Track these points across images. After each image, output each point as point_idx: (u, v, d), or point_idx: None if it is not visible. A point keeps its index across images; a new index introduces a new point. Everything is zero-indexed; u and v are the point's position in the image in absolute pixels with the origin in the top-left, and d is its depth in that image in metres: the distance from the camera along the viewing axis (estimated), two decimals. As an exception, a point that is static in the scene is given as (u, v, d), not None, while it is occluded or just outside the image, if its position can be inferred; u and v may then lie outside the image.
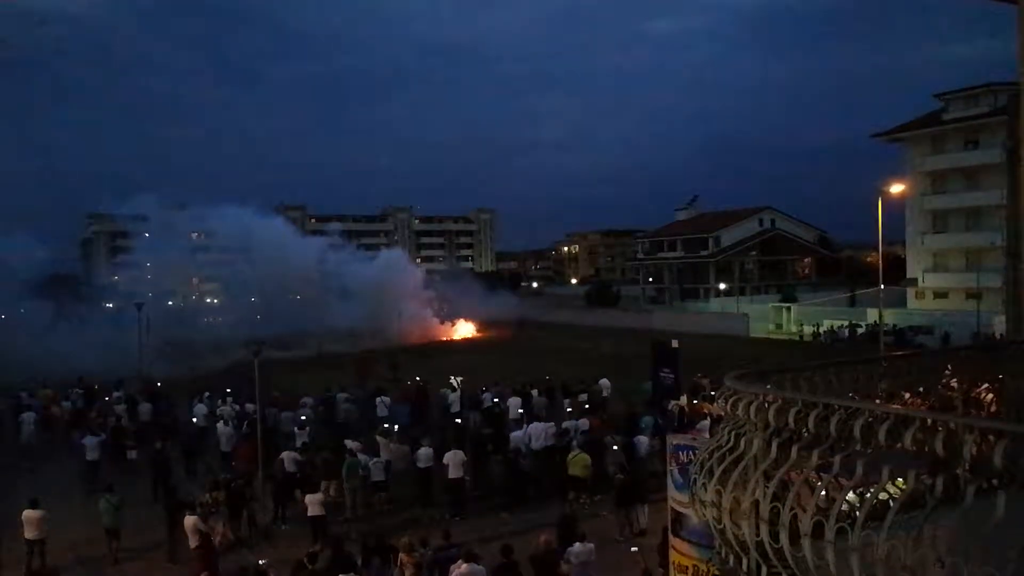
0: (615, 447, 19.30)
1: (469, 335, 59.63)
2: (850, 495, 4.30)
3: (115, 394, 29.12)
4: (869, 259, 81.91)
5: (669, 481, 10.66)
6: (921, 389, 6.73)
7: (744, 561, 4.96)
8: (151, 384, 32.50)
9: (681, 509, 9.98)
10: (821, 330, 52.70)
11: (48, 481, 20.19)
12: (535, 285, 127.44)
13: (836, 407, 4.60)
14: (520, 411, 24.59)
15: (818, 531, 4.27)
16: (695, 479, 5.53)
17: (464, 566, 11.51)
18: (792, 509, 4.50)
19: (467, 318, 60.95)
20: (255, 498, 17.52)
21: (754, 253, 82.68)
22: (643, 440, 19.40)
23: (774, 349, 44.31)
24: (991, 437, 3.82)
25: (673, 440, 11.25)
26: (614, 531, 15.85)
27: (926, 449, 3.98)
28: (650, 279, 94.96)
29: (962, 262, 55.96)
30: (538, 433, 20.03)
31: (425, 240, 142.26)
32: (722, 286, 78.92)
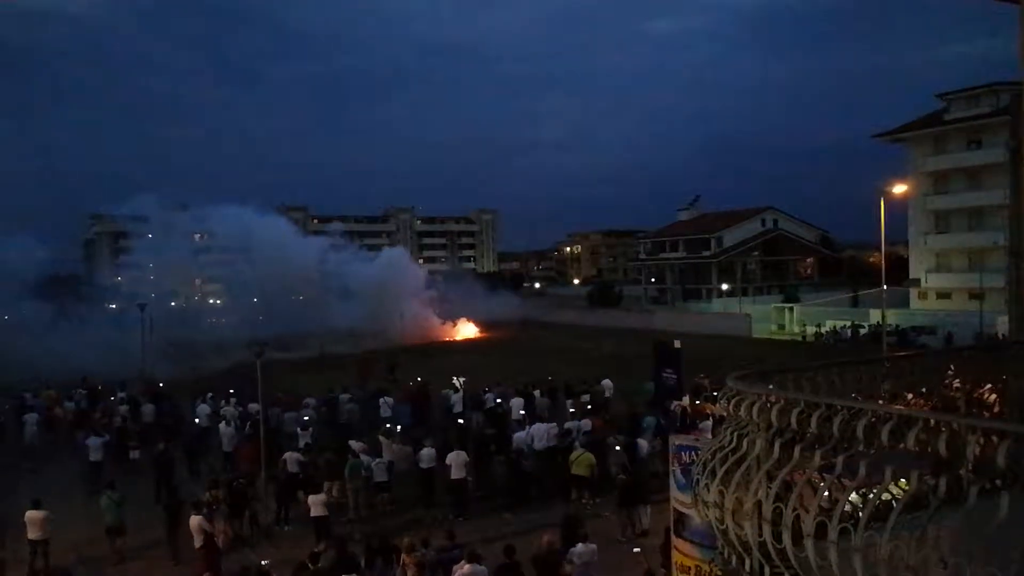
0: (617, 447, 19.30)
1: (471, 336, 59.59)
2: (853, 495, 4.30)
3: (119, 394, 29.17)
4: (871, 259, 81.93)
5: (671, 481, 10.65)
6: (924, 390, 6.72)
7: (747, 562, 4.95)
8: (154, 385, 32.55)
9: (684, 509, 9.98)
10: (823, 330, 52.64)
11: (51, 482, 20.21)
12: (537, 285, 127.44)
13: (839, 407, 4.59)
14: (522, 412, 24.59)
15: (821, 532, 4.26)
16: (698, 479, 5.53)
17: (467, 566, 11.52)
18: (795, 509, 4.50)
19: (469, 318, 60.91)
20: (257, 498, 17.56)
21: (756, 253, 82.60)
22: (642, 443, 19.37)
23: (776, 349, 44.26)
24: (994, 438, 3.81)
25: (675, 440, 11.24)
26: (616, 531, 15.84)
27: (929, 450, 3.98)
28: (652, 279, 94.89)
29: (965, 262, 55.87)
30: (540, 434, 20.02)
31: (427, 241, 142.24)
32: (724, 286, 78.85)
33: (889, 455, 4.19)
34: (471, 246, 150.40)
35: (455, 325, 59.82)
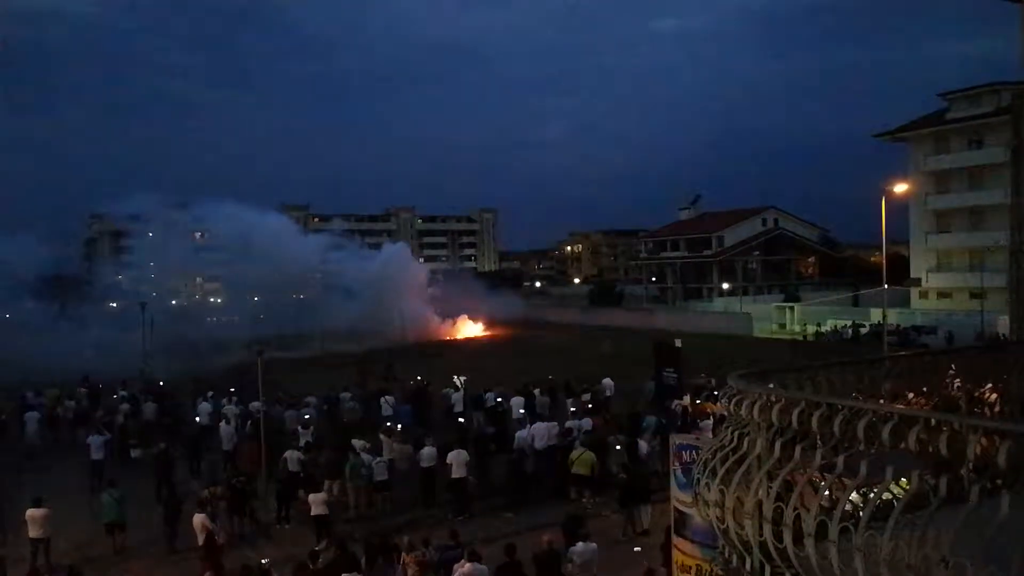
0: (618, 447, 19.31)
1: (472, 335, 59.59)
2: (854, 495, 4.30)
3: (120, 393, 29.21)
4: (873, 259, 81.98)
5: (672, 481, 10.65)
6: (925, 389, 6.72)
7: (747, 561, 4.95)
8: (154, 384, 32.59)
9: (684, 509, 9.97)
10: (823, 330, 52.64)
11: (52, 480, 20.22)
12: (538, 285, 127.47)
13: (840, 407, 4.59)
14: (522, 411, 24.60)
15: (822, 531, 4.26)
16: (698, 479, 5.53)
17: (467, 565, 11.53)
18: (795, 509, 4.50)
19: (470, 317, 60.89)
20: (256, 496, 17.59)
21: (757, 253, 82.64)
22: (643, 442, 19.37)
23: (777, 349, 44.24)
24: (995, 437, 3.81)
25: (676, 440, 11.25)
26: (617, 531, 15.84)
27: (930, 449, 3.98)
28: (653, 279, 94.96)
29: (966, 262, 55.88)
30: (541, 433, 20.02)
31: (428, 240, 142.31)
32: (725, 286, 78.90)
33: (890, 455, 4.19)
34: (472, 245, 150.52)
35: (455, 323, 59.72)
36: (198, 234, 65.81)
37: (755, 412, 5.07)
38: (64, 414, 26.95)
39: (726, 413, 5.66)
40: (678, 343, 25.40)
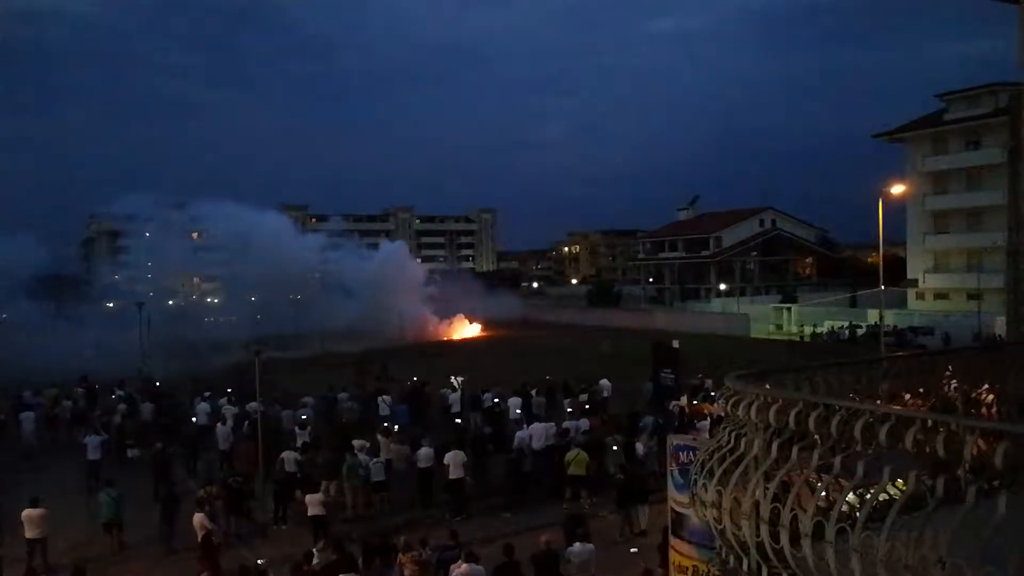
0: (615, 447, 19.31)
1: (470, 335, 59.53)
2: (851, 496, 4.30)
3: (118, 393, 29.18)
4: (870, 259, 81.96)
5: (669, 482, 10.65)
6: (922, 390, 6.73)
7: (744, 562, 4.95)
8: (152, 384, 32.55)
9: (681, 510, 9.97)
10: (818, 330, 52.67)
11: (49, 480, 20.19)
12: (536, 285, 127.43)
13: (837, 407, 4.59)
14: (518, 411, 24.60)
15: (819, 532, 4.26)
16: (695, 479, 5.53)
17: (464, 566, 11.52)
18: (793, 510, 4.49)
19: (468, 318, 60.82)
20: (253, 496, 17.58)
21: (755, 253, 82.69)
22: (640, 443, 19.37)
23: (775, 350, 44.24)
24: (992, 438, 3.81)
25: (673, 440, 11.24)
26: (614, 531, 15.84)
27: (927, 450, 3.98)
28: (651, 279, 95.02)
29: (963, 263, 55.95)
30: (539, 433, 20.02)
31: (426, 240, 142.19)
32: (723, 286, 78.95)
33: (887, 455, 4.19)
34: (470, 245, 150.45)
35: (452, 323, 59.58)
36: (195, 234, 65.71)
37: (752, 413, 5.07)
38: (61, 414, 26.91)
39: (723, 414, 5.65)
40: (676, 344, 25.42)
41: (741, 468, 5.06)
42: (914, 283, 58.50)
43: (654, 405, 24.12)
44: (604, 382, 28.37)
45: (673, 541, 10.35)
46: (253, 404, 21.83)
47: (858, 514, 4.12)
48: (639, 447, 19.17)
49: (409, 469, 19.12)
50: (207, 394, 26.89)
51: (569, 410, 23.97)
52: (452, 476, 17.65)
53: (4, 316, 49.16)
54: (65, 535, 16.08)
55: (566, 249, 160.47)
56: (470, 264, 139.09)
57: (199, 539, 14.36)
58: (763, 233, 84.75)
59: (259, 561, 13.89)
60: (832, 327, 52.65)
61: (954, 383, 6.88)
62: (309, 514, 15.90)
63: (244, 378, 26.57)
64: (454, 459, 17.74)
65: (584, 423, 21.27)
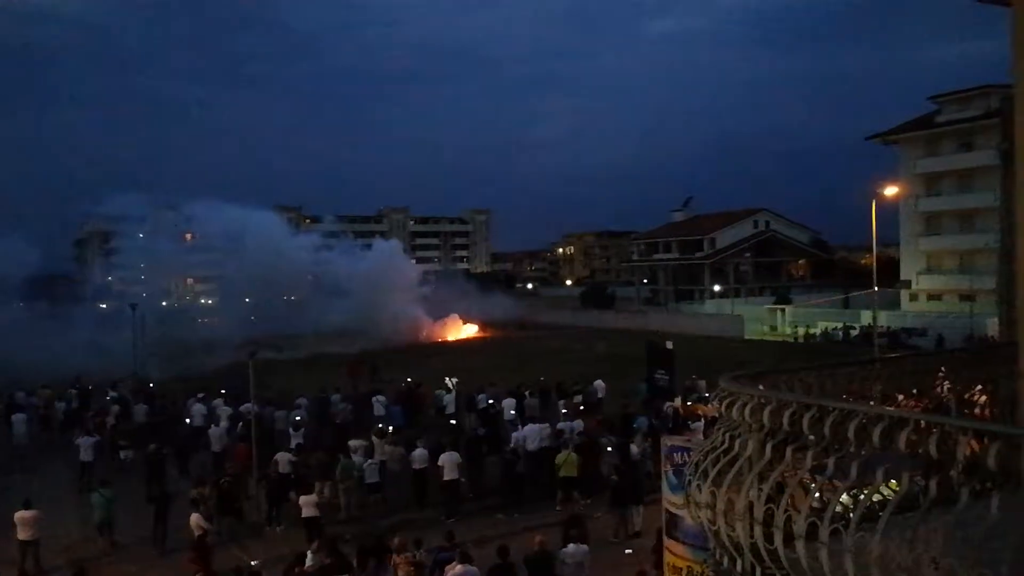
0: (609, 448, 19.32)
1: (464, 336, 59.45)
2: (844, 497, 4.31)
3: (110, 394, 29.08)
4: (863, 261, 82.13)
5: (664, 483, 10.66)
6: (915, 391, 6.74)
7: (738, 563, 4.95)
8: (146, 385, 32.45)
9: (675, 511, 9.99)
10: (812, 331, 52.77)
11: (41, 482, 20.12)
12: (530, 286, 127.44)
13: (831, 409, 4.60)
14: (512, 412, 24.60)
15: (812, 532, 4.27)
16: (689, 480, 5.53)
17: (458, 567, 11.51)
18: (786, 511, 4.50)
19: (462, 318, 60.72)
20: (247, 496, 17.56)
21: (749, 255, 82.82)
22: (635, 444, 19.37)
23: (769, 351, 44.34)
24: (985, 439, 3.82)
25: (668, 441, 11.26)
26: (609, 533, 15.85)
27: (920, 451, 3.99)
28: (645, 280, 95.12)
29: (956, 264, 56.13)
30: (533, 435, 20.02)
31: (420, 241, 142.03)
32: (717, 288, 79.04)
33: (881, 456, 4.20)
34: (464, 246, 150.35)
35: (446, 324, 59.40)
36: (189, 235, 65.43)
37: (746, 414, 5.07)
38: (54, 415, 26.81)
39: (717, 415, 5.66)
40: (670, 345, 25.46)
41: (735, 469, 5.07)
42: (907, 284, 58.64)
43: (648, 406, 24.13)
44: (598, 383, 28.38)
45: (667, 542, 10.36)
46: (247, 405, 21.78)
47: (852, 515, 4.12)
48: (633, 448, 19.17)
49: (403, 470, 19.09)
50: (200, 395, 26.83)
51: (563, 411, 23.97)
52: (447, 477, 17.64)
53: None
54: (58, 537, 16.03)
55: (560, 250, 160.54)
56: (464, 265, 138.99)
57: (195, 539, 14.33)
58: (757, 234, 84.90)
59: (252, 562, 13.87)
60: (826, 328, 52.79)
61: (947, 384, 6.89)
62: (303, 515, 15.88)
63: (238, 379, 26.50)
64: (449, 460, 17.73)
65: (578, 424, 21.27)
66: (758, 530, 4.70)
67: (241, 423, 22.43)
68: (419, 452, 18.54)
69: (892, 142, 60.81)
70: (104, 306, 56.49)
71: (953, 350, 16.07)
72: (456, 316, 60.05)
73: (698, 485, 5.30)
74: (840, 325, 52.06)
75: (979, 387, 7.00)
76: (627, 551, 14.73)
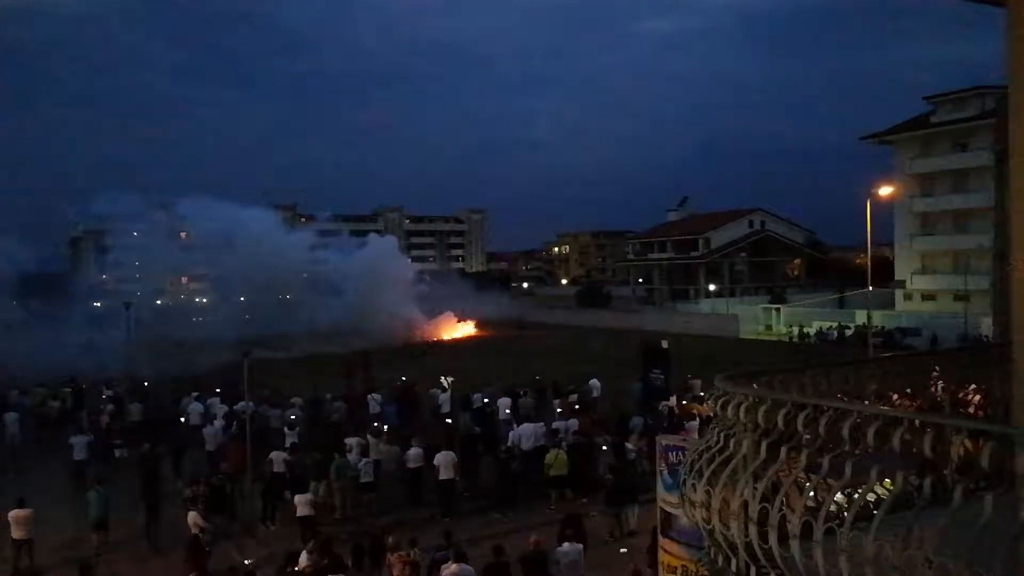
0: (605, 447, 19.33)
1: (459, 335, 59.38)
2: (839, 496, 4.32)
3: (106, 392, 29.01)
4: (858, 261, 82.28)
5: (659, 482, 10.68)
6: (909, 390, 6.76)
7: (733, 562, 4.96)
8: (140, 383, 32.36)
9: (671, 510, 10.00)
10: (807, 331, 52.85)
11: (35, 481, 20.05)
12: (525, 285, 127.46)
13: (825, 408, 4.61)
14: (508, 411, 24.60)
15: (807, 532, 4.28)
16: (685, 480, 5.54)
17: (453, 566, 11.51)
18: (781, 510, 4.51)
19: (458, 318, 60.63)
20: (242, 495, 17.53)
21: (744, 254, 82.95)
22: (630, 443, 19.39)
23: (764, 350, 44.41)
24: (978, 438, 3.84)
25: (663, 441, 11.28)
26: (604, 532, 15.86)
27: (914, 450, 4.00)
28: (640, 280, 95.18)
29: (950, 264, 56.27)
30: (528, 434, 20.03)
31: (415, 240, 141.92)
32: (712, 287, 79.16)
33: (875, 455, 4.21)
34: (460, 246, 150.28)
35: (441, 323, 59.24)
36: (183, 233, 65.25)
37: (741, 413, 5.08)
38: (49, 413, 26.73)
39: (713, 414, 5.67)
40: (665, 344, 25.50)
41: (730, 468, 5.08)
42: (902, 284, 58.81)
43: (643, 405, 24.15)
44: (594, 382, 28.40)
45: (662, 541, 10.37)
46: (242, 404, 21.75)
47: (846, 514, 4.13)
48: (629, 447, 19.20)
49: (398, 469, 19.08)
50: (194, 394, 26.77)
51: (559, 410, 23.98)
52: (442, 477, 17.63)
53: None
54: (51, 536, 15.98)
55: (556, 250, 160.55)
56: (460, 264, 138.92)
57: (190, 537, 14.30)
58: (752, 234, 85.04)
59: (247, 561, 13.86)
60: (820, 328, 52.89)
61: (941, 384, 6.92)
62: (298, 514, 15.86)
63: (232, 378, 26.44)
64: (445, 460, 17.71)
65: (574, 423, 21.28)
66: (753, 529, 4.71)
67: (236, 422, 22.38)
68: (414, 451, 18.53)
69: (887, 142, 60.97)
70: (98, 305, 56.34)
71: (947, 350, 16.10)
72: (451, 314, 59.92)
73: (693, 484, 5.31)
74: (835, 325, 52.17)
75: (973, 387, 7.03)
76: (622, 550, 14.74)
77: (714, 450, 5.32)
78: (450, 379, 28.70)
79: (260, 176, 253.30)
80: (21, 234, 55.35)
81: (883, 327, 48.15)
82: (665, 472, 10.49)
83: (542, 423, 21.28)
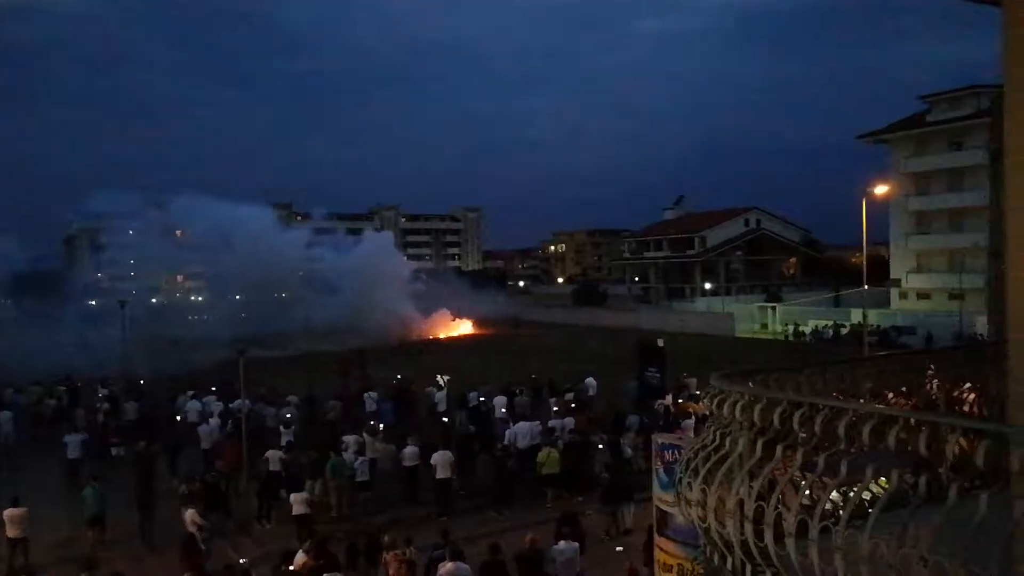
0: (601, 446, 19.34)
1: (456, 334, 59.36)
2: (834, 494, 4.32)
3: (102, 391, 28.95)
4: (854, 259, 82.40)
5: (654, 480, 10.68)
6: (904, 389, 6.76)
7: (729, 560, 4.96)
8: (135, 382, 32.32)
9: (666, 508, 10.00)
10: (802, 329, 52.92)
11: (30, 480, 20.00)
12: (522, 284, 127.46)
13: (821, 406, 4.61)
14: (504, 410, 24.61)
15: (802, 530, 4.28)
16: (681, 478, 5.54)
17: (449, 564, 11.51)
18: (776, 508, 4.51)
19: (454, 316, 60.58)
20: (237, 493, 17.51)
21: (740, 253, 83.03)
22: (626, 442, 19.40)
23: (759, 349, 44.47)
24: (973, 437, 3.84)
25: (659, 439, 11.28)
26: (600, 530, 15.87)
27: (909, 448, 4.00)
28: (636, 279, 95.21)
29: (945, 263, 56.40)
30: (524, 432, 20.04)
31: (412, 239, 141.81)
32: (708, 286, 79.22)
33: (870, 454, 4.21)
34: (456, 244, 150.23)
35: (437, 321, 59.12)
36: (179, 232, 65.06)
37: (737, 411, 5.08)
38: (44, 412, 26.67)
39: (708, 412, 5.67)
40: (661, 343, 25.53)
41: (726, 467, 5.08)
42: (897, 283, 58.92)
43: (639, 404, 24.18)
44: (590, 381, 28.42)
45: (658, 539, 10.38)
46: (238, 402, 21.73)
47: (841, 512, 4.14)
48: (625, 446, 19.21)
49: (394, 468, 19.07)
50: (191, 393, 26.73)
51: (555, 409, 23.99)
52: (439, 476, 17.61)
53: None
54: (47, 534, 15.95)
55: (552, 248, 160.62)
56: (456, 263, 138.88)
57: (186, 536, 14.27)
58: (748, 233, 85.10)
59: (242, 560, 13.83)
60: (816, 326, 52.99)
61: (936, 382, 6.93)
62: (293, 513, 15.85)
63: (228, 376, 26.43)
64: (442, 459, 17.70)
65: (569, 422, 21.29)
66: (748, 527, 4.71)
67: (232, 420, 22.34)
68: (410, 450, 18.53)
69: (882, 141, 61.05)
70: (94, 303, 56.21)
71: (942, 348, 16.14)
72: (447, 312, 59.82)
73: (689, 483, 5.31)
74: (830, 323, 52.28)
75: (968, 385, 7.04)
76: (618, 549, 14.76)
77: (710, 448, 5.32)
78: (446, 377, 28.74)
79: (258, 176, 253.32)
80: (16, 232, 55.28)
81: (878, 326, 48.23)
82: (661, 470, 10.49)
83: (538, 422, 21.29)
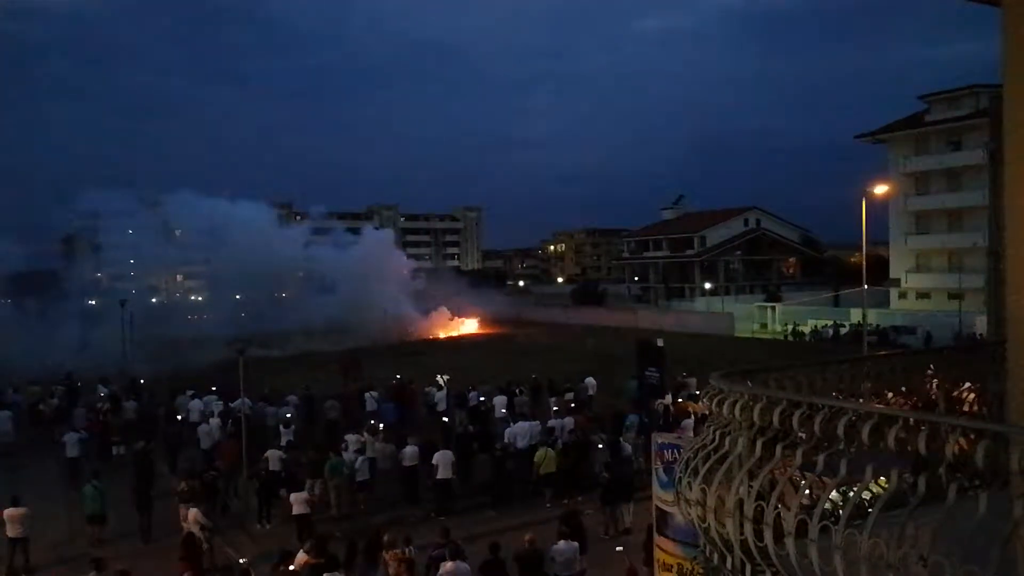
0: (600, 446, 19.34)
1: (455, 333, 59.31)
2: (834, 494, 4.32)
3: (102, 390, 28.95)
4: (853, 259, 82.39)
5: (654, 480, 10.68)
6: (904, 389, 6.77)
7: (728, 559, 4.97)
8: (135, 381, 32.32)
9: (666, 508, 10.00)
10: (801, 329, 52.93)
11: (30, 479, 20.00)
12: (521, 284, 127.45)
13: (820, 406, 4.61)
14: (503, 410, 24.60)
15: (802, 529, 4.28)
16: (680, 478, 5.54)
17: (449, 564, 11.51)
18: (776, 508, 4.51)
19: (453, 315, 60.52)
20: (236, 492, 17.51)
21: (739, 253, 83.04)
22: (624, 443, 19.40)
23: (759, 348, 44.48)
24: (973, 436, 3.84)
25: (658, 439, 11.28)
26: (599, 529, 15.88)
27: (909, 448, 4.01)
28: (636, 278, 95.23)
29: (944, 263, 56.43)
30: (523, 432, 20.04)
31: (411, 238, 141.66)
32: (707, 285, 79.20)
33: (870, 454, 4.21)
34: (455, 244, 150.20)
35: (437, 320, 58.99)
36: (177, 231, 64.92)
37: (736, 411, 5.08)
38: (45, 410, 26.68)
39: (708, 412, 5.67)
40: (660, 342, 25.48)
41: (725, 466, 5.08)
42: (896, 283, 58.92)
43: (639, 403, 24.16)
44: (589, 380, 28.42)
45: (658, 539, 10.38)
46: (238, 401, 21.73)
47: (841, 512, 4.14)
48: (624, 445, 19.21)
49: (394, 467, 19.07)
50: (191, 392, 26.73)
51: (554, 408, 24.00)
52: (440, 476, 17.60)
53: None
54: (46, 533, 15.95)
55: (551, 248, 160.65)
56: (455, 263, 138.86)
57: (184, 535, 14.27)
58: (747, 232, 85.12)
59: (242, 560, 13.83)
60: (815, 326, 52.98)
61: (935, 382, 6.93)
62: (293, 512, 15.85)
63: (227, 375, 26.44)
64: (443, 459, 17.70)
65: (569, 421, 21.30)
66: (748, 527, 4.71)
67: (231, 420, 22.34)
68: (409, 449, 18.53)
69: (881, 141, 61.04)
70: (92, 303, 56.16)
71: (942, 348, 16.14)
72: (449, 313, 59.78)
73: (688, 482, 5.31)
74: (830, 323, 52.27)
75: (967, 385, 7.04)
76: (617, 548, 14.74)
77: (709, 448, 5.32)
78: (446, 377, 28.73)
79: (253, 174, 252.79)
80: (15, 231, 55.24)
81: (878, 325, 48.24)
82: (660, 470, 10.50)
83: (537, 421, 21.29)
